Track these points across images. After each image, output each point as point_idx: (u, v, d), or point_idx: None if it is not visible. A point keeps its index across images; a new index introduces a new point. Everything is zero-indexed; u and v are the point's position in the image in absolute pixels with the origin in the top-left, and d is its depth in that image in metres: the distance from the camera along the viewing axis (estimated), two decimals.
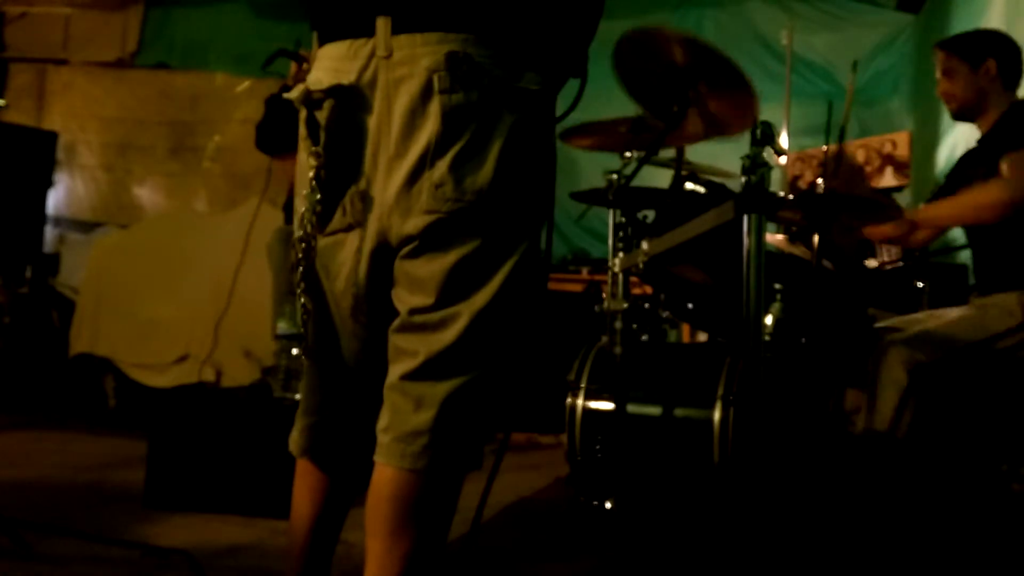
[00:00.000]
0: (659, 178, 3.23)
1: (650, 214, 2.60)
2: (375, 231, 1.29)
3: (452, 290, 1.26)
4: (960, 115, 2.69)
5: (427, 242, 1.26)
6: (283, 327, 3.33)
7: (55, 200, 5.82)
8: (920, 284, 2.68)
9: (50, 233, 5.45)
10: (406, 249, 1.28)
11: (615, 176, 2.63)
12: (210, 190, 5.98)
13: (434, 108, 1.23)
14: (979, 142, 2.66)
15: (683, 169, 2.86)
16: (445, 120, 1.23)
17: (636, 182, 2.57)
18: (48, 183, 3.71)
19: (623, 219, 2.58)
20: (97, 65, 6.10)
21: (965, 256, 2.99)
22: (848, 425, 2.57)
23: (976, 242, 2.65)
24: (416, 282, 1.28)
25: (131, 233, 5.03)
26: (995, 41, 2.65)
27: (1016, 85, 2.63)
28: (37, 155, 3.38)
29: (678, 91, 2.42)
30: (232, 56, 5.79)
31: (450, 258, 1.25)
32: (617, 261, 2.55)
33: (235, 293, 4.17)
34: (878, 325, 2.52)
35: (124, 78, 6.08)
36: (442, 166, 1.24)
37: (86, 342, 4.43)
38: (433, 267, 1.26)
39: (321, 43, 1.36)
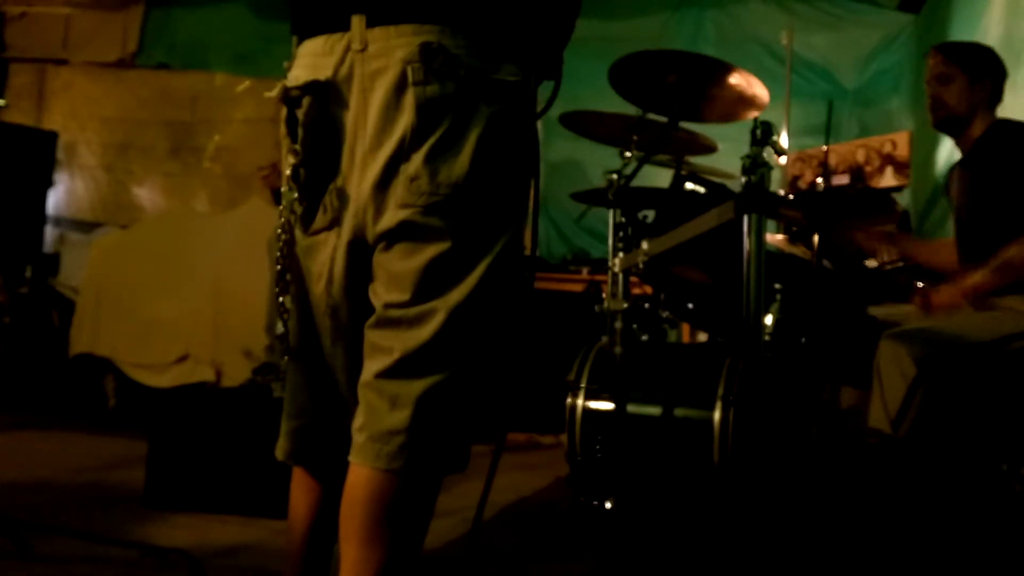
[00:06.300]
0: (659, 178, 3.23)
1: (650, 214, 2.60)
2: (351, 228, 1.27)
3: (428, 286, 1.24)
4: (944, 125, 2.62)
5: (402, 237, 1.23)
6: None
7: (55, 200, 5.82)
8: (920, 284, 2.67)
9: (50, 233, 5.45)
10: (382, 244, 1.26)
11: (615, 176, 2.63)
12: (210, 190, 5.98)
13: (409, 100, 1.21)
14: (962, 163, 2.63)
15: (683, 169, 2.87)
16: (420, 112, 1.21)
17: (636, 182, 2.58)
18: (48, 183, 3.71)
19: (623, 219, 2.58)
20: (97, 65, 6.09)
21: None
22: (847, 424, 2.57)
23: (974, 245, 2.62)
24: (392, 277, 1.25)
25: (131, 233, 5.02)
26: (994, 62, 2.61)
27: (997, 106, 2.61)
28: (37, 155, 3.38)
29: (677, 96, 2.45)
30: (232, 56, 5.78)
31: (426, 253, 1.23)
32: (617, 261, 2.55)
33: (236, 293, 4.16)
34: (876, 315, 2.51)
35: (124, 78, 6.08)
36: (417, 159, 1.21)
37: (86, 342, 4.42)
38: (409, 262, 1.24)
39: (300, 42, 1.35)
